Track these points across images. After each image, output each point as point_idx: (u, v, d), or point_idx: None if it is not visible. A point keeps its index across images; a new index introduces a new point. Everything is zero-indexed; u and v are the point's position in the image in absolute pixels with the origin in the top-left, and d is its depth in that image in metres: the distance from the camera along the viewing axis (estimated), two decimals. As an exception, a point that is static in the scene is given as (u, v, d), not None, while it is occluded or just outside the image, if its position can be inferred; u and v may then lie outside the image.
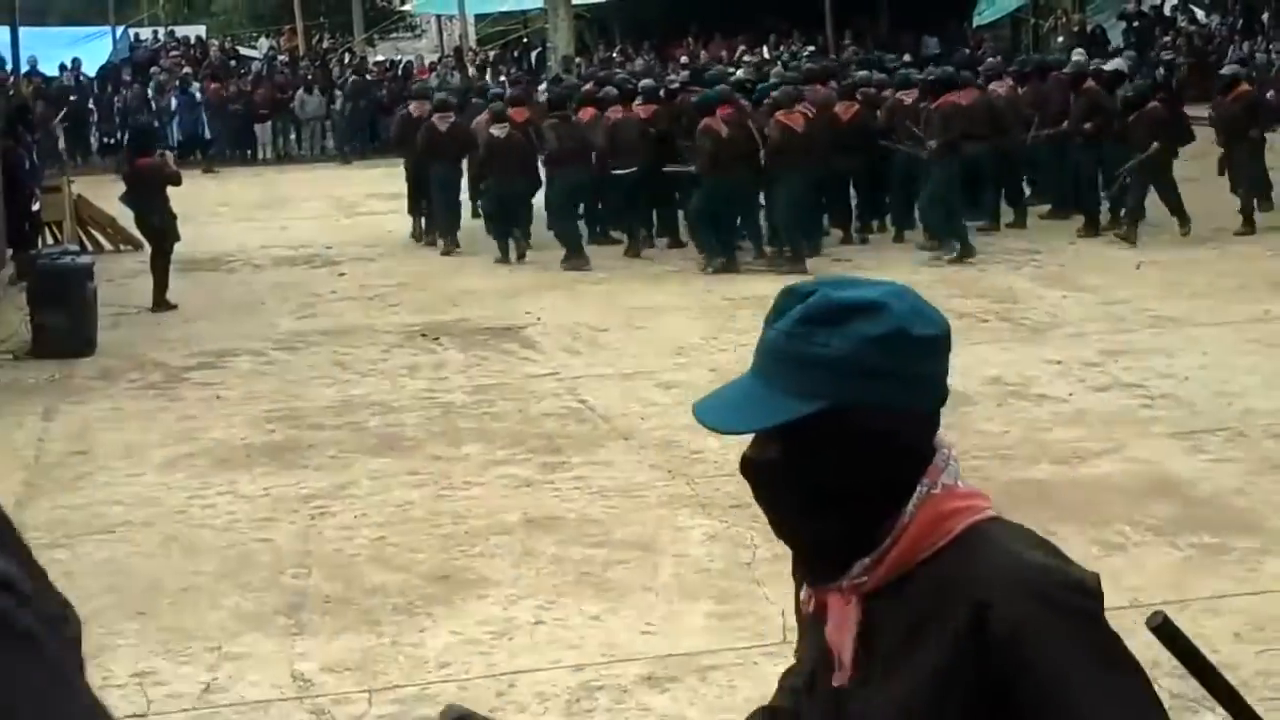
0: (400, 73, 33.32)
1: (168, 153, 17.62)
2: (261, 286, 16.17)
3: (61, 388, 11.71)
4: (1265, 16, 33.96)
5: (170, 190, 15.02)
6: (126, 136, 19.72)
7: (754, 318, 12.64)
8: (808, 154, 15.41)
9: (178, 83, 31.65)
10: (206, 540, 7.96)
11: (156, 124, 31.03)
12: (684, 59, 31.30)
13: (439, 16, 45.59)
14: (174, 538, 8.02)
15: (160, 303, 14.77)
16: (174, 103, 31.22)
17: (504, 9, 43.52)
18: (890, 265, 15.39)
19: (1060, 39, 35.28)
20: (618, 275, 15.75)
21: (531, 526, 7.93)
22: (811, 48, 32.49)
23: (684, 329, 12.88)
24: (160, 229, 14.99)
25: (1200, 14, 35.98)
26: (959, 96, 16.30)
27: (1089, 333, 12.08)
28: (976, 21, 38.62)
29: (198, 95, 31.28)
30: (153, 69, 33.48)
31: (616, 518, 8.01)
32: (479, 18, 44.43)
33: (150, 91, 31.81)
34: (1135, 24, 35.40)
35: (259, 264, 17.80)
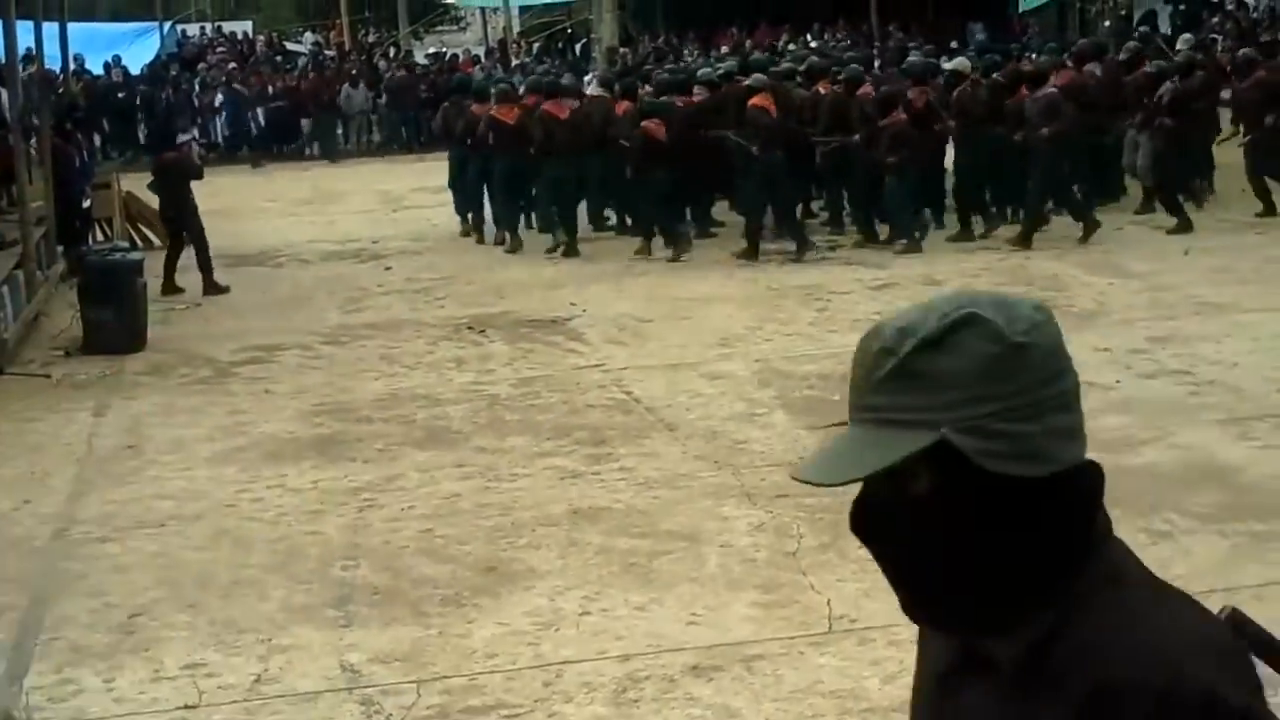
0: (445, 66, 33.40)
1: (193, 146, 17.83)
2: (309, 281, 16.28)
3: (112, 383, 11.83)
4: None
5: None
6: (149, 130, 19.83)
7: (799, 307, 12.74)
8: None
9: (224, 78, 31.85)
10: (256, 533, 8.03)
11: (200, 120, 31.38)
12: (726, 48, 31.26)
13: (483, 9, 45.63)
14: (224, 531, 8.10)
15: (169, 288, 14.97)
16: (220, 98, 31.41)
17: (548, 1, 43.57)
18: (936, 257, 15.38)
19: (1107, 23, 35.02)
20: (662, 266, 15.76)
21: (577, 517, 7.97)
22: (853, 37, 32.39)
23: (728, 319, 12.89)
24: (175, 220, 15.32)
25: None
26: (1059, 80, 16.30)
27: (1136, 319, 12.01)
28: (1022, 7, 38.40)
29: (244, 90, 31.46)
30: (199, 65, 33.72)
31: (662, 508, 8.04)
32: (523, 10, 44.48)
33: (197, 87, 32.02)
34: (1182, 6, 35.11)
35: (306, 259, 17.90)
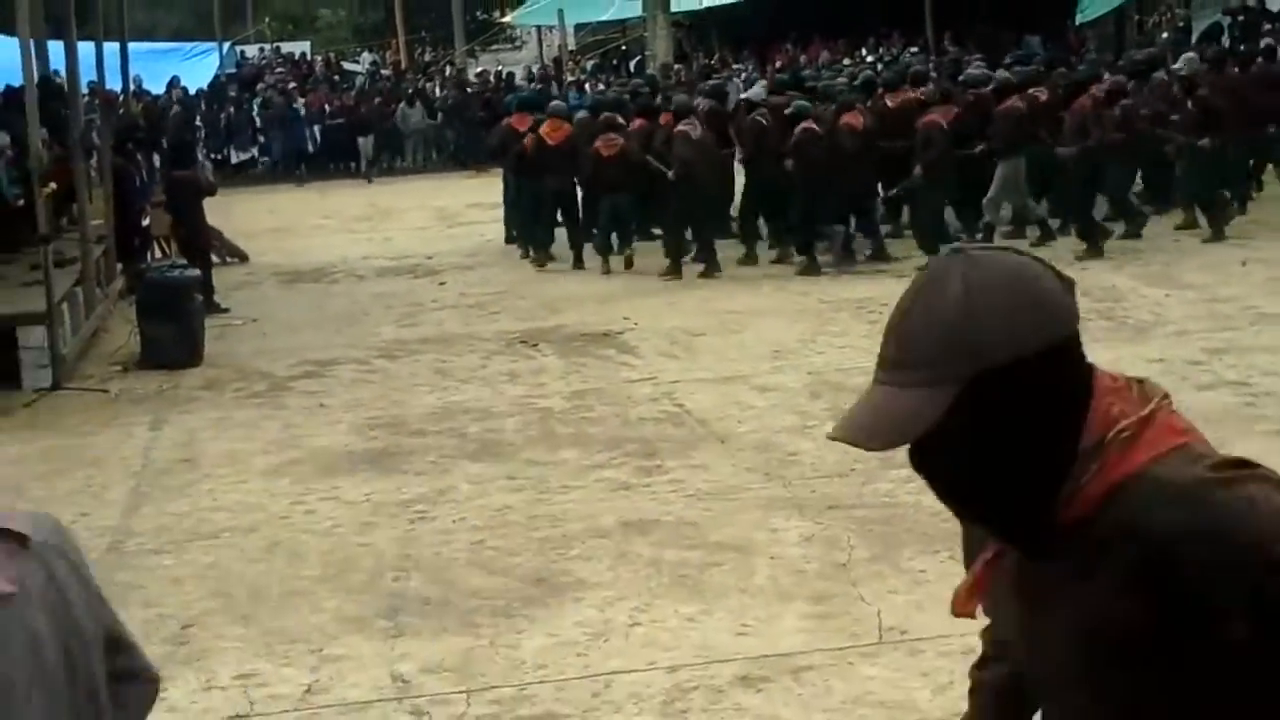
0: (502, 84, 33.57)
1: (206, 164, 18.13)
2: (364, 296, 16.38)
3: (169, 398, 11.94)
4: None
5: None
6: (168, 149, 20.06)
7: (851, 320, 12.71)
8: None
9: (282, 98, 32.15)
10: (309, 545, 8.08)
11: (263, 139, 31.69)
12: (781, 64, 31.26)
13: (539, 27, 45.85)
14: (277, 543, 8.15)
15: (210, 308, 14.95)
16: (279, 118, 31.69)
17: (603, 18, 43.68)
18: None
19: (1165, 35, 34.79)
20: (714, 279, 15.76)
21: (628, 529, 7.97)
22: (914, 49, 32.28)
23: (780, 332, 12.88)
24: (186, 238, 15.53)
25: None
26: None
27: (1192, 331, 11.92)
28: (1079, 19, 38.18)
29: (302, 110, 31.74)
30: (258, 85, 34.04)
31: (712, 520, 8.04)
32: (578, 28, 44.63)
33: (256, 107, 32.34)
34: (1240, 19, 34.82)
35: (361, 274, 18.03)
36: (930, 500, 7.13)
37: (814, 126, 15.76)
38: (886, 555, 7.29)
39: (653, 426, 10.09)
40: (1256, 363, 10.62)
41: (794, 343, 12.43)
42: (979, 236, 15.81)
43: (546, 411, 10.71)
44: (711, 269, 15.89)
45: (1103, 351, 11.20)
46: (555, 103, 18.97)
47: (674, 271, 15.91)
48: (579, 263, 17.14)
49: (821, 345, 12.31)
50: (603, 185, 16.74)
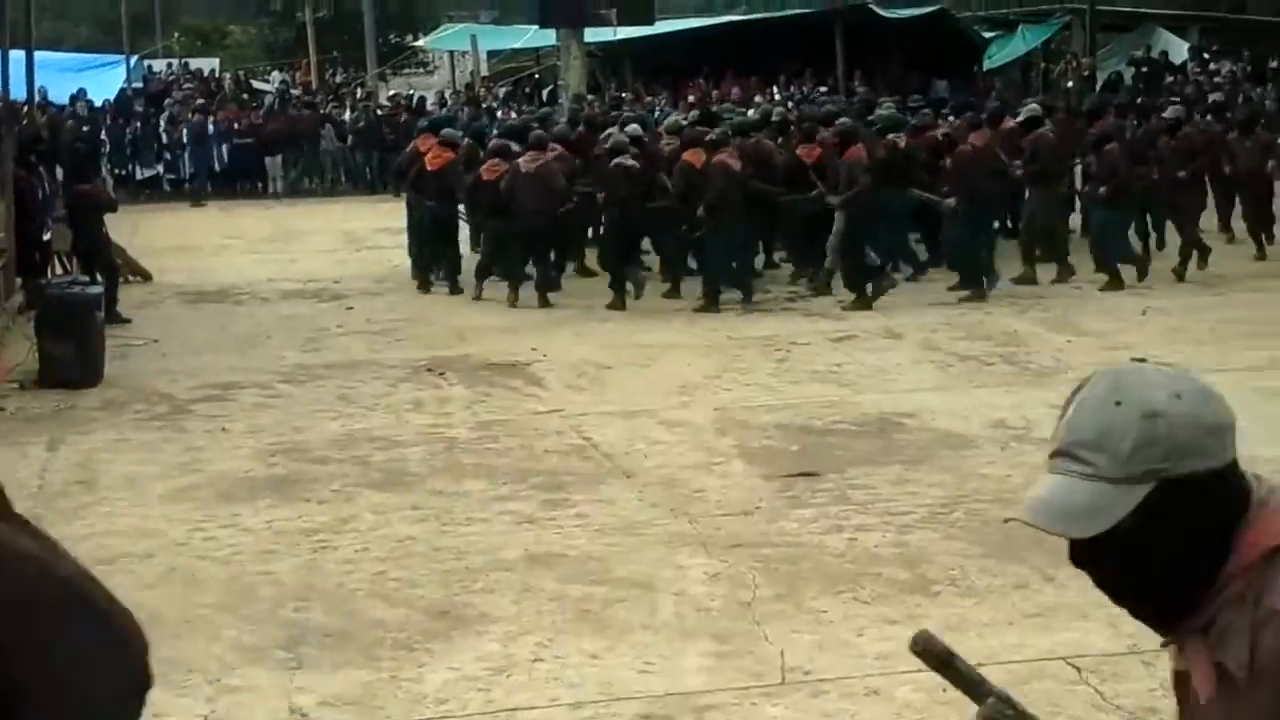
0: (414, 108, 33.43)
1: (107, 179, 18.04)
2: (268, 319, 16.22)
3: (67, 418, 11.74)
4: (1274, 63, 34.09)
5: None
6: (69, 163, 19.92)
7: (759, 357, 12.76)
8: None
9: (189, 114, 31.81)
10: (208, 572, 7.97)
11: (170, 156, 31.31)
12: (693, 98, 31.40)
13: (452, 53, 45.78)
14: (175, 569, 8.03)
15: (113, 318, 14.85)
16: (185, 134, 31.36)
17: (516, 46, 43.70)
18: (896, 311, 15.45)
19: (1070, 84, 35.38)
20: (623, 313, 15.77)
21: (532, 563, 7.94)
22: (824, 88, 32.57)
23: (688, 368, 12.91)
24: (87, 254, 15.40)
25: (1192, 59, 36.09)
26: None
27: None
28: (987, 65, 38.77)
29: (209, 127, 31.42)
30: (166, 100, 33.65)
31: (617, 555, 8.02)
32: (491, 54, 44.60)
33: (163, 123, 31.96)
34: (1144, 70, 35.52)
35: (266, 297, 17.85)
36: (834, 541, 7.21)
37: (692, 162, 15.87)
38: (791, 595, 7.31)
39: (559, 459, 10.06)
40: (1155, 411, 10.77)
41: (701, 378, 12.46)
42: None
43: (452, 441, 10.65)
44: (710, 306, 15.76)
45: (1004, 396, 11.39)
46: (446, 130, 18.79)
47: (711, 305, 15.74)
48: (455, 289, 17.35)
49: (728, 382, 12.36)
50: (484, 210, 16.85)
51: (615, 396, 11.96)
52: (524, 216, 16.09)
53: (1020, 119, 17.63)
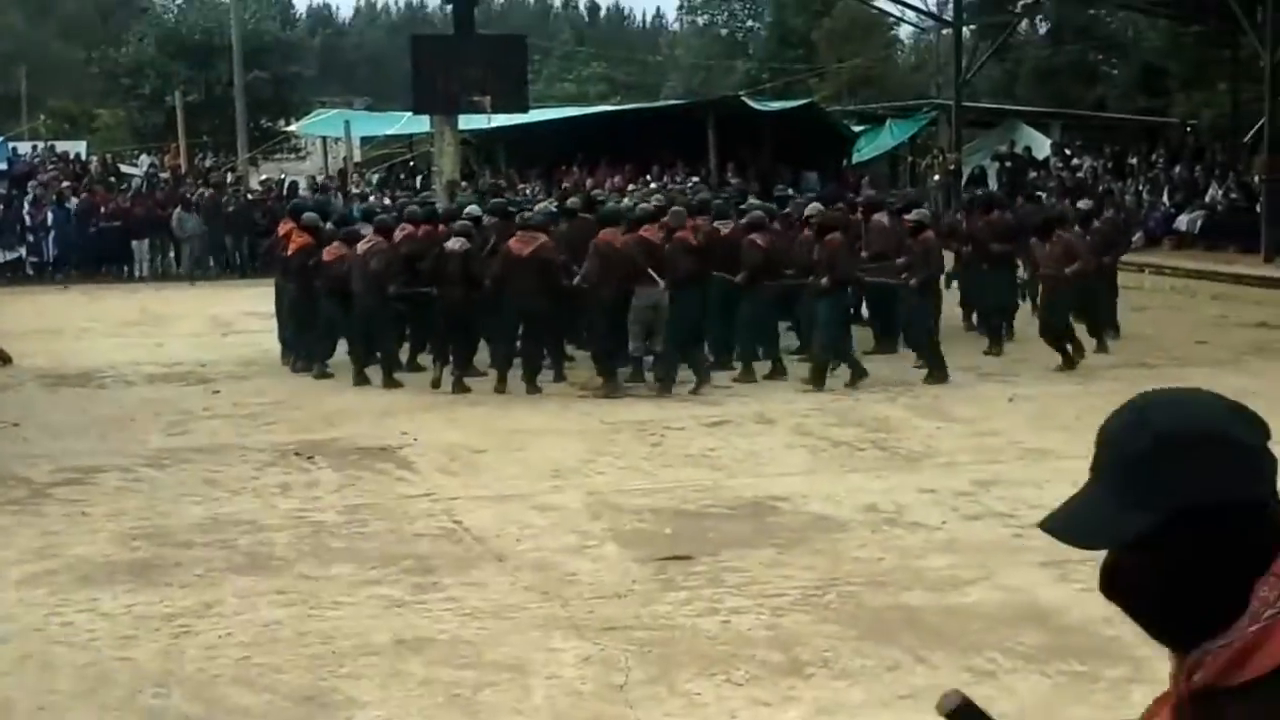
0: (284, 193, 33.22)
1: None
2: (132, 403, 15.89)
3: (-81, 501, 11.37)
4: (1133, 160, 35.09)
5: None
6: None
7: (632, 441, 12.73)
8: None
9: (55, 197, 31.33)
10: (64, 658, 7.71)
11: (32, 239, 30.74)
12: (566, 185, 31.57)
13: (324, 138, 45.65)
14: (29, 655, 7.76)
15: None
16: (50, 217, 30.87)
17: (390, 132, 43.69)
18: (769, 395, 15.53)
19: (936, 178, 36.12)
20: (496, 396, 15.67)
21: (401, 647, 7.79)
22: (696, 178, 32.90)
23: (561, 452, 12.83)
24: None
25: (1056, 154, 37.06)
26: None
27: (961, 463, 12.21)
28: (855, 159, 39.50)
29: (73, 210, 30.95)
30: (30, 183, 33.12)
31: (488, 639, 7.90)
32: (364, 140, 44.54)
33: (26, 205, 31.43)
34: (1008, 164, 36.37)
35: (131, 380, 17.51)
36: (708, 623, 7.18)
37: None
38: (664, 677, 7.24)
39: (429, 543, 9.92)
40: (1023, 495, 10.90)
41: (575, 463, 12.39)
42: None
43: (320, 525, 10.46)
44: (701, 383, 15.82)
45: (875, 481, 11.46)
46: (307, 214, 18.68)
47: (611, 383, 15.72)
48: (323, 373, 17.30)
49: (602, 465, 12.30)
50: (324, 291, 16.98)
51: (487, 480, 11.85)
52: (517, 300, 16.01)
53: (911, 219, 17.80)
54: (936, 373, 16.08)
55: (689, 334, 16.03)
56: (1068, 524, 1.90)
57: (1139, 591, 1.90)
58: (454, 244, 16.50)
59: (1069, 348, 16.86)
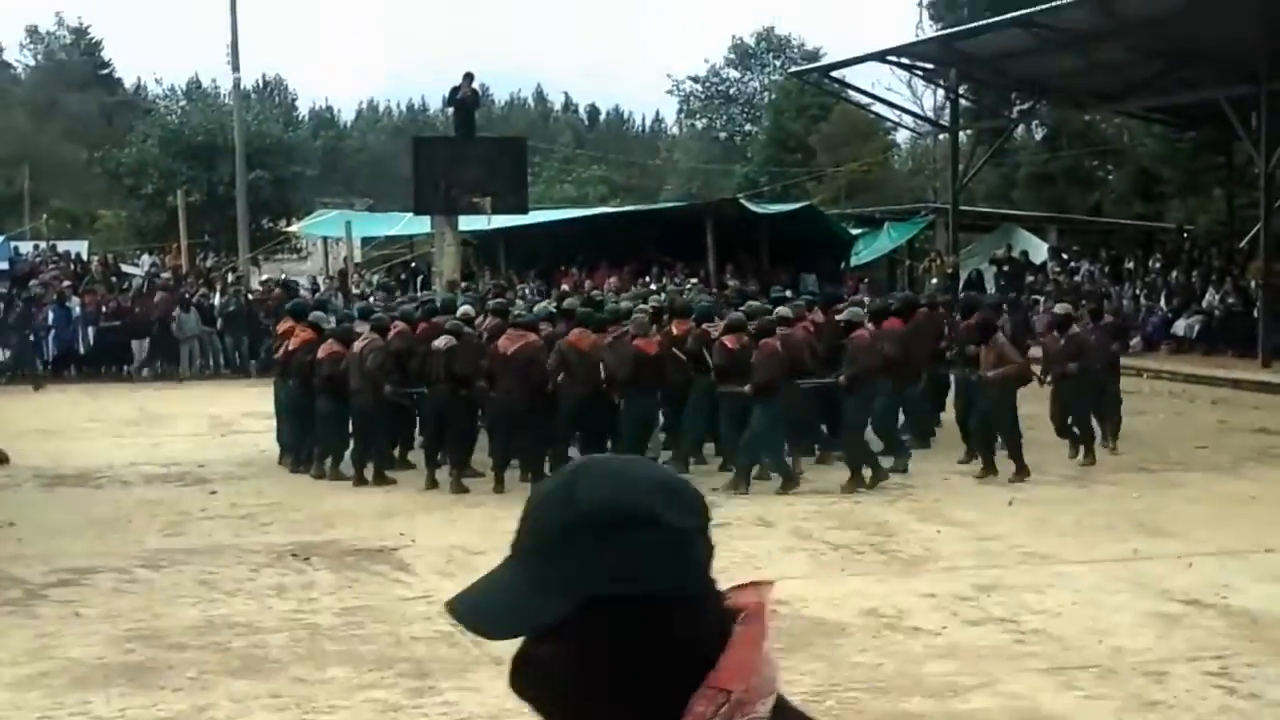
0: (284, 293, 33.31)
1: None
2: (129, 503, 15.84)
3: (-88, 602, 11.29)
4: (1130, 264, 35.25)
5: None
6: None
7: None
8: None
9: (55, 296, 31.44)
10: (55, 764, 7.62)
11: (33, 338, 30.80)
12: (565, 286, 31.71)
13: (325, 239, 45.90)
14: (20, 761, 7.67)
15: None
16: (51, 316, 30.96)
17: (390, 233, 43.93)
18: (770, 500, 15.47)
19: (934, 280, 36.27)
20: (497, 498, 15.63)
21: (396, 754, 7.70)
22: (694, 279, 33.05)
23: (560, 554, 12.74)
24: None
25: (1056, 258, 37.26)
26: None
27: (962, 567, 12.15)
28: (854, 261, 39.69)
29: (75, 310, 31.06)
30: (31, 282, 33.24)
31: (484, 746, 7.81)
32: (365, 240, 44.78)
33: (27, 304, 31.53)
34: (1005, 268, 36.54)
35: (128, 480, 17.46)
36: None
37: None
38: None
39: (425, 646, 9.84)
40: (1024, 600, 10.84)
41: (572, 565, 12.31)
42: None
43: (315, 628, 10.39)
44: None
45: (874, 585, 11.39)
46: (316, 312, 18.85)
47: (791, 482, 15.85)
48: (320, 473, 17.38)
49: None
50: (319, 389, 17.14)
51: (484, 583, 11.75)
52: (501, 398, 16.17)
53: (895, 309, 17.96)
54: (855, 476, 15.90)
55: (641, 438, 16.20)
56: (475, 608, 1.64)
57: (547, 691, 1.65)
58: (440, 342, 16.60)
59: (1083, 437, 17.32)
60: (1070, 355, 17.51)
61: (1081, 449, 17.45)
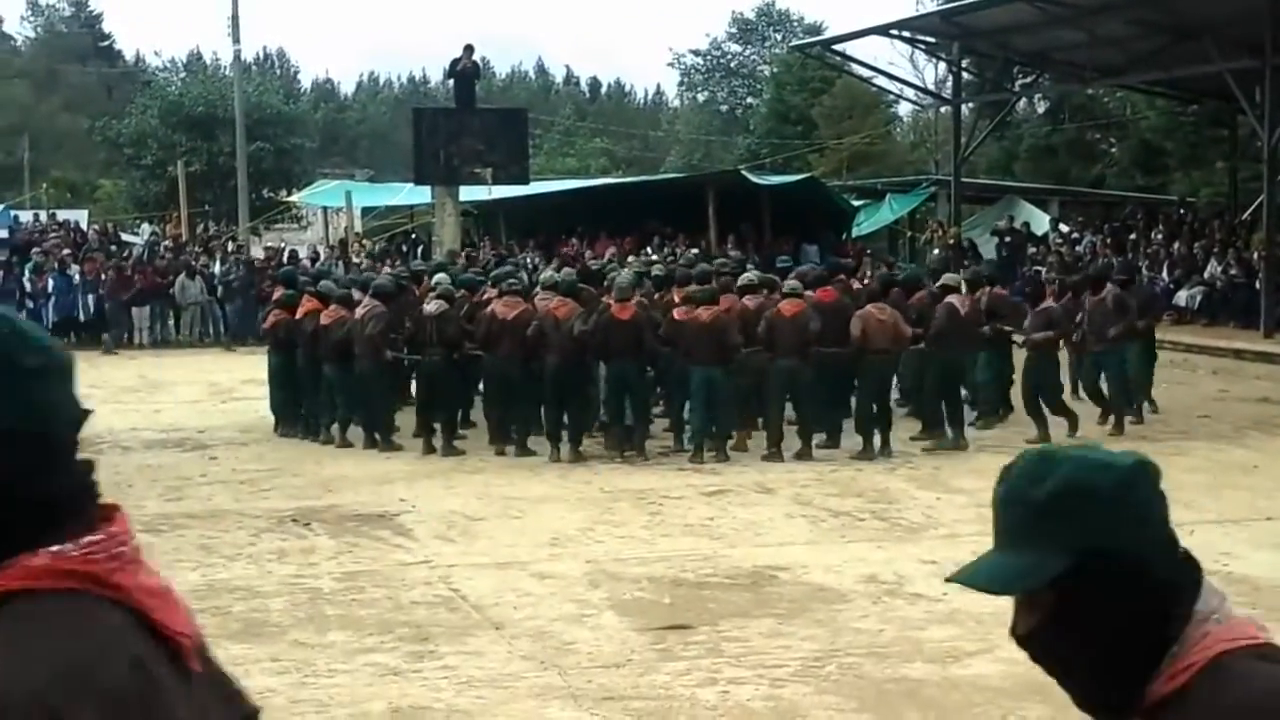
0: (285, 261, 33.26)
1: None
2: (129, 469, 15.80)
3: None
4: (1133, 236, 35.18)
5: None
6: None
7: (632, 510, 12.63)
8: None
9: (56, 264, 31.40)
10: None
11: (32, 305, 30.76)
12: (568, 254, 31.65)
13: (325, 208, 45.79)
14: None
15: None
16: (51, 284, 30.92)
17: (391, 203, 43.84)
18: (769, 465, 15.46)
19: (936, 251, 36.19)
20: (496, 464, 15.62)
21: (397, 716, 7.70)
22: (695, 250, 32.95)
23: (560, 520, 12.75)
24: None
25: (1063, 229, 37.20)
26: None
27: (962, 534, 12.12)
28: (856, 232, 39.60)
29: (75, 277, 31.01)
30: (32, 250, 33.19)
31: (484, 708, 7.80)
32: (365, 210, 44.68)
33: (28, 272, 31.50)
34: (1007, 239, 36.46)
35: (128, 446, 17.43)
36: (707, 694, 7.05)
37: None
38: (662, 748, 7.14)
39: (426, 611, 9.83)
40: (1025, 567, 10.81)
41: (573, 531, 12.32)
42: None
43: (316, 592, 10.38)
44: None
45: (875, 551, 11.38)
46: (324, 282, 18.89)
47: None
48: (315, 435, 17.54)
49: (601, 534, 12.22)
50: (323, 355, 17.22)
51: (485, 548, 11.76)
52: (500, 363, 16.31)
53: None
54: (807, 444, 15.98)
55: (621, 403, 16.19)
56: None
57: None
58: (431, 307, 16.60)
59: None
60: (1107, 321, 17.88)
61: (1111, 417, 17.66)
